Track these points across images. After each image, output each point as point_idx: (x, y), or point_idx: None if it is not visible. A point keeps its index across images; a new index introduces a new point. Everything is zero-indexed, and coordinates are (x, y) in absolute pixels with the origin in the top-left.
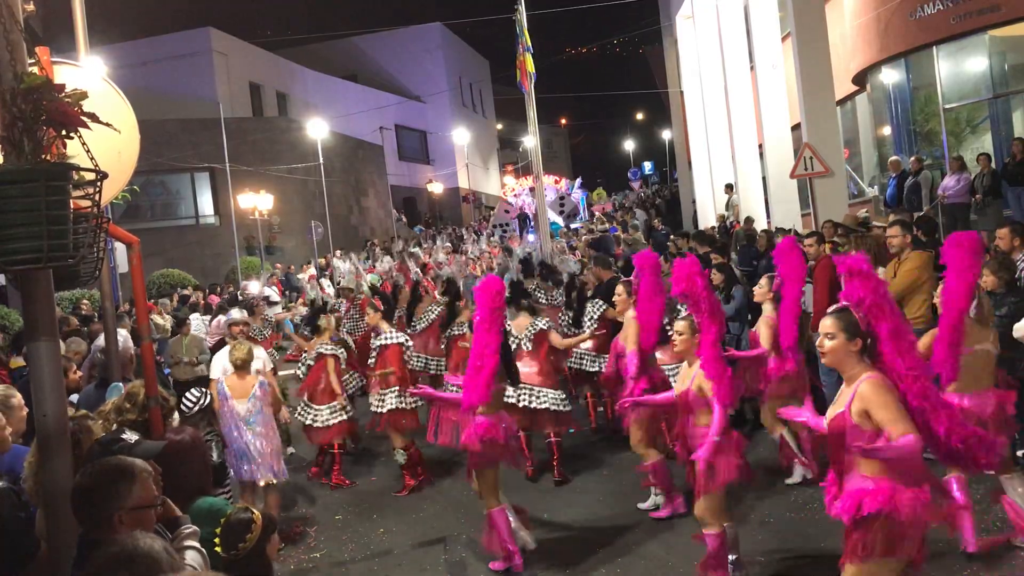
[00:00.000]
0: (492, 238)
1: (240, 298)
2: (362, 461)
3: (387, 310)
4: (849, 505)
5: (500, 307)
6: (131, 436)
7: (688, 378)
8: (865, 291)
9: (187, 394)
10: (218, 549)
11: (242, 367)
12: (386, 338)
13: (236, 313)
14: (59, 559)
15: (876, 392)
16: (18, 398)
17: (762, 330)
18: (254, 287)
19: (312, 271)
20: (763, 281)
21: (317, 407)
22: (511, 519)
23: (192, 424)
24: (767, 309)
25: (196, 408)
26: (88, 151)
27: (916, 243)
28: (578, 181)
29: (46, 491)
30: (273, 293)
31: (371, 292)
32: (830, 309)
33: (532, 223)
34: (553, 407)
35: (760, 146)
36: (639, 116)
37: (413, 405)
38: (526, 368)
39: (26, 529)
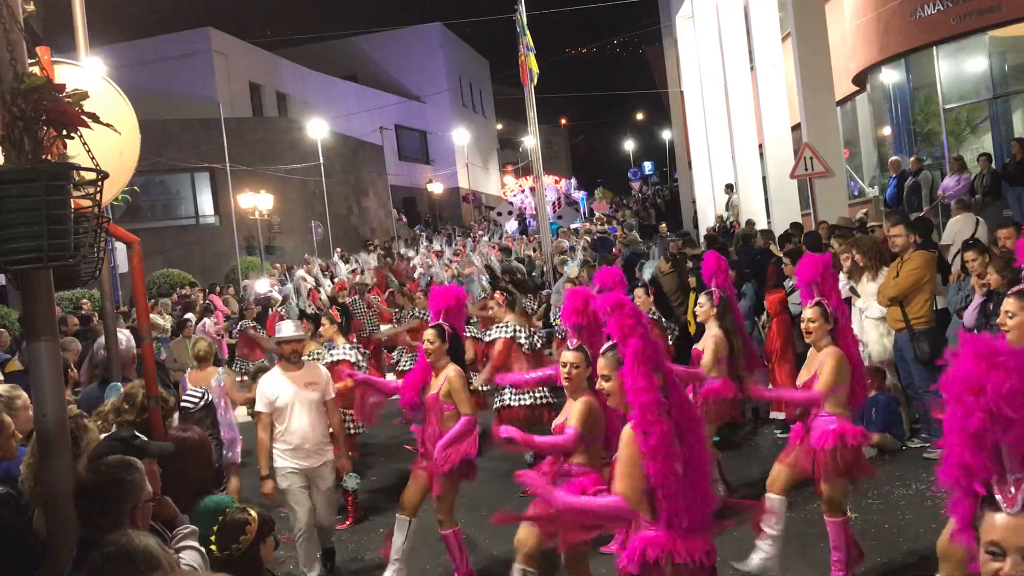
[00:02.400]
0: (491, 238)
1: (243, 300)
2: (361, 462)
3: (344, 323)
4: (633, 552)
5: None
6: (140, 436)
7: (565, 412)
8: (618, 327)
9: (188, 392)
10: (213, 548)
11: (204, 359)
12: (340, 353)
13: (290, 327)
14: (59, 559)
15: (624, 442)
16: (23, 398)
17: (708, 347)
18: (261, 286)
19: (300, 273)
20: (703, 299)
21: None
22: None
23: (195, 422)
24: (711, 327)
25: (201, 404)
26: (89, 151)
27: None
28: (574, 182)
29: (46, 491)
30: (276, 293)
31: (329, 303)
32: (603, 348)
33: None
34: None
35: (760, 146)
36: (639, 116)
37: (358, 430)
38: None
39: (28, 532)
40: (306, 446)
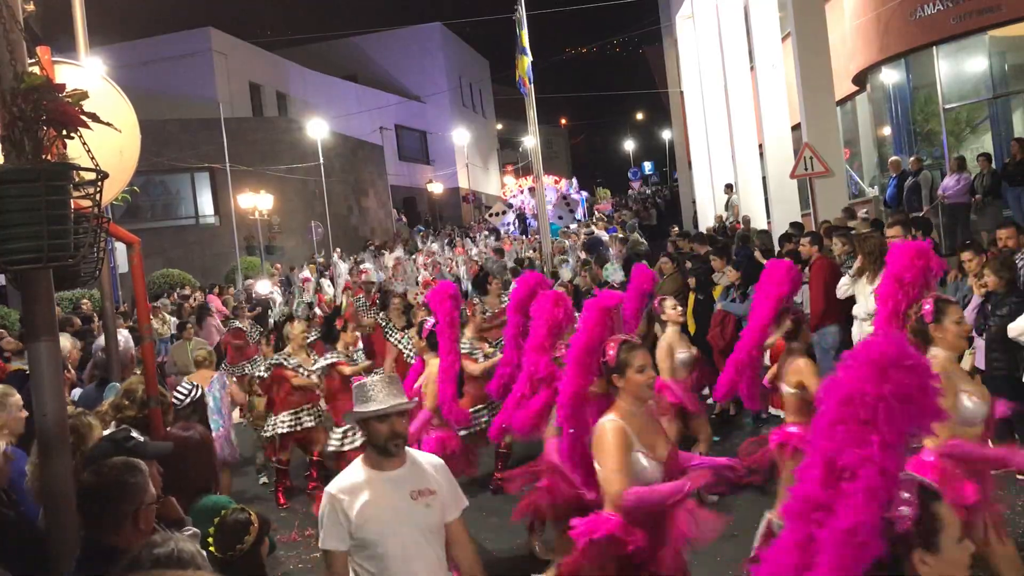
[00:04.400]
0: (488, 239)
1: (238, 302)
2: None
3: (327, 332)
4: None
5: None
6: (139, 436)
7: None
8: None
9: (178, 387)
10: (211, 549)
11: (200, 364)
12: (330, 357)
13: (381, 391)
14: (59, 559)
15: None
16: (16, 398)
17: (660, 346)
18: (262, 287)
19: (306, 273)
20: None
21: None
22: None
23: (183, 417)
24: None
25: (188, 400)
26: (89, 151)
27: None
28: (575, 182)
29: (46, 491)
30: (277, 293)
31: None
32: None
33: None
34: None
35: (760, 146)
36: (639, 116)
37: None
38: None
39: (29, 533)
40: None
